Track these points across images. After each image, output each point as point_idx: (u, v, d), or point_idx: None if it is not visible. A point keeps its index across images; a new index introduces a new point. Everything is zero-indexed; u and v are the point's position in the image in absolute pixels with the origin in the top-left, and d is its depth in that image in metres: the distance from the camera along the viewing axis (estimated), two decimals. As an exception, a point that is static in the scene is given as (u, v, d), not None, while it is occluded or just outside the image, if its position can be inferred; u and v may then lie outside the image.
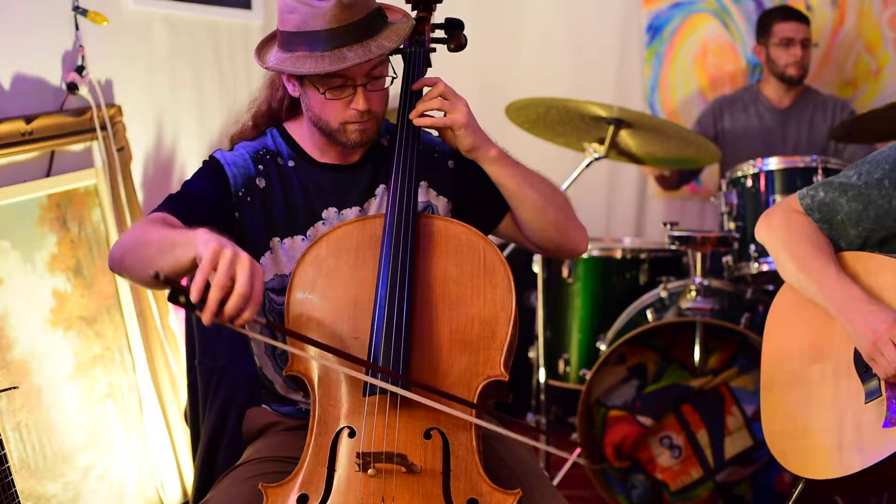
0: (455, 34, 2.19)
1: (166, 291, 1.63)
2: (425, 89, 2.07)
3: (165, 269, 1.70)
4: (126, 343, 3.13)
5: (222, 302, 1.64)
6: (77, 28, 3.04)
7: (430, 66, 2.17)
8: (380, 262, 1.91)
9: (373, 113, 2.00)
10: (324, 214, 2.07)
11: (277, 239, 2.06)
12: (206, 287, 1.64)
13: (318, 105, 2.00)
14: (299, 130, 2.12)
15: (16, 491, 2.17)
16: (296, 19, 1.92)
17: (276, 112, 2.16)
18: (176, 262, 1.74)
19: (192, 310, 1.62)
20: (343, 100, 1.98)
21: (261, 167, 2.08)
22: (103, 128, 3.09)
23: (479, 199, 2.09)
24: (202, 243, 1.68)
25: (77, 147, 3.09)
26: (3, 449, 2.11)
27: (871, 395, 2.02)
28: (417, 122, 2.01)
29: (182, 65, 3.55)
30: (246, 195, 2.06)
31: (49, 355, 2.86)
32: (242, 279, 1.64)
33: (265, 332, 1.77)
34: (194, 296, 1.61)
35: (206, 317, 1.62)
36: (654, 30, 4.45)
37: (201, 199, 2.01)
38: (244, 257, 1.67)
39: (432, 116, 2.03)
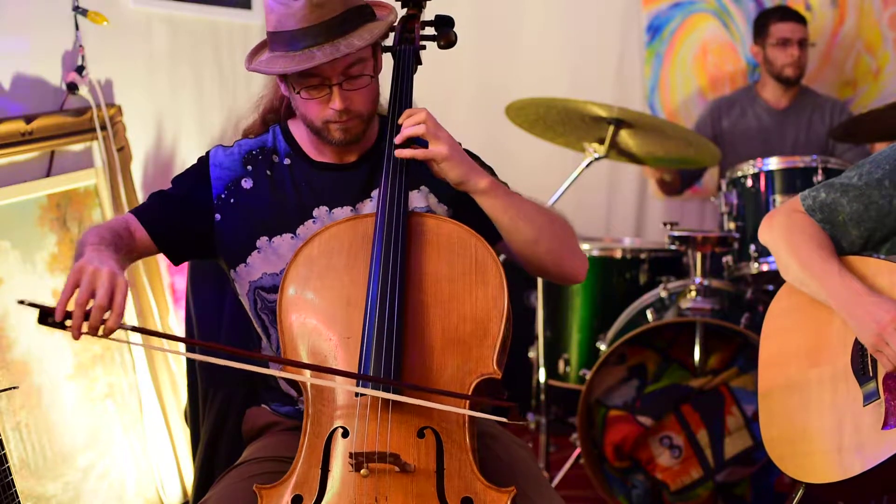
0: (445, 31, 2.17)
1: (36, 314, 1.73)
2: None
3: None
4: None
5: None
6: (77, 28, 3.04)
7: (420, 63, 2.16)
8: (371, 261, 1.91)
9: (353, 112, 1.99)
10: (314, 213, 2.06)
11: (266, 238, 2.06)
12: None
13: (301, 104, 2.01)
14: (299, 129, 2.13)
15: (16, 491, 2.17)
16: (273, 19, 1.94)
17: (278, 109, 2.17)
18: None
19: (62, 328, 1.72)
20: (321, 99, 1.97)
21: (249, 167, 2.10)
22: (103, 128, 3.09)
23: (475, 218, 2.05)
24: (74, 263, 1.78)
25: (77, 147, 3.09)
26: (3, 449, 2.11)
27: (869, 398, 2.02)
28: (399, 153, 1.97)
29: (182, 65, 3.55)
30: (229, 197, 2.07)
31: (49, 355, 2.86)
32: (101, 292, 1.72)
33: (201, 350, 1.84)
34: (58, 315, 1.71)
35: (72, 332, 1.72)
36: (654, 30, 4.45)
37: (174, 202, 2.09)
38: (104, 271, 1.74)
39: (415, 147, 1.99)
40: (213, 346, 1.95)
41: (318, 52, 1.90)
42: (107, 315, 1.72)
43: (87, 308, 1.72)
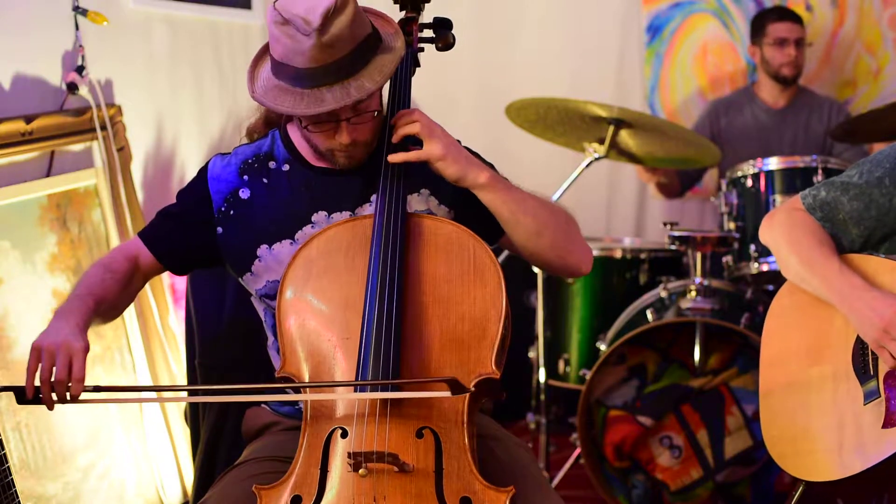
0: (443, 33, 2.17)
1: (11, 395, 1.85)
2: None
3: None
4: (126, 343, 3.13)
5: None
6: (77, 28, 3.04)
7: (419, 65, 2.16)
8: (369, 262, 1.91)
9: (359, 143, 1.99)
10: (313, 218, 2.05)
11: (266, 246, 2.05)
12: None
13: (306, 133, 2.01)
14: (297, 134, 2.12)
15: (16, 491, 2.16)
16: (280, 50, 1.89)
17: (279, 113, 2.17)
18: None
19: (39, 403, 1.84)
20: (327, 132, 1.96)
21: (246, 177, 2.09)
22: (103, 128, 3.09)
23: (478, 216, 2.05)
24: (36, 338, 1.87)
25: (77, 147, 3.09)
26: (3, 449, 2.11)
27: (869, 397, 2.02)
28: (391, 158, 1.97)
29: (182, 65, 3.55)
30: (229, 209, 2.07)
31: (49, 355, 2.85)
32: (58, 366, 1.82)
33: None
34: (28, 394, 1.83)
35: (46, 406, 1.83)
36: (654, 30, 4.45)
37: (176, 220, 2.12)
38: (58, 344, 1.83)
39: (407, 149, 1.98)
40: (181, 387, 1.99)
41: (329, 95, 1.87)
42: (71, 384, 1.82)
43: (53, 380, 1.82)
